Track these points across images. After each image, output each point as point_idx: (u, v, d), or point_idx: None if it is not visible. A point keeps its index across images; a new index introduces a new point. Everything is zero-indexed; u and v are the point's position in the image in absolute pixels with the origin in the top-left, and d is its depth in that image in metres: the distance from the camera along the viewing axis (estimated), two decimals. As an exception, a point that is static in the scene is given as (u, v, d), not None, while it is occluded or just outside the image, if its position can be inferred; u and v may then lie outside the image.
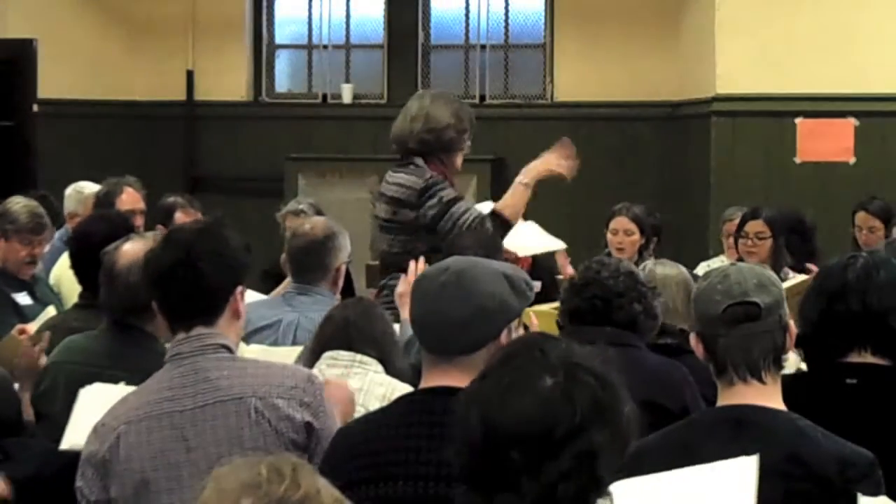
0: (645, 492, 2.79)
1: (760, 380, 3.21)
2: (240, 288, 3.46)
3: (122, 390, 3.78)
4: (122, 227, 4.78)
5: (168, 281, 3.41)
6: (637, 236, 7.21)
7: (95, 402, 3.76)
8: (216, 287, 3.41)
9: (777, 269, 6.28)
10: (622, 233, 7.22)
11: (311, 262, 5.25)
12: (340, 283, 5.35)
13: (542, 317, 4.69)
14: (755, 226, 7.13)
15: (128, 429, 3.36)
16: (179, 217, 6.85)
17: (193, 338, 3.40)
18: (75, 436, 3.74)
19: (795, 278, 6.33)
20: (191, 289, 3.39)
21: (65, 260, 6.53)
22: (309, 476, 2.06)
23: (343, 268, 5.34)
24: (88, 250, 4.51)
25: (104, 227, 4.83)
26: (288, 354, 4.45)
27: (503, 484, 2.22)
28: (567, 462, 2.20)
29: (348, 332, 4.31)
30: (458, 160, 5.95)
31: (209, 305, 3.41)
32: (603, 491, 2.25)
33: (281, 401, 3.35)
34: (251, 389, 3.35)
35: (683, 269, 5.02)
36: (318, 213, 7.18)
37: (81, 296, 4.75)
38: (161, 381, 3.42)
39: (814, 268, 6.55)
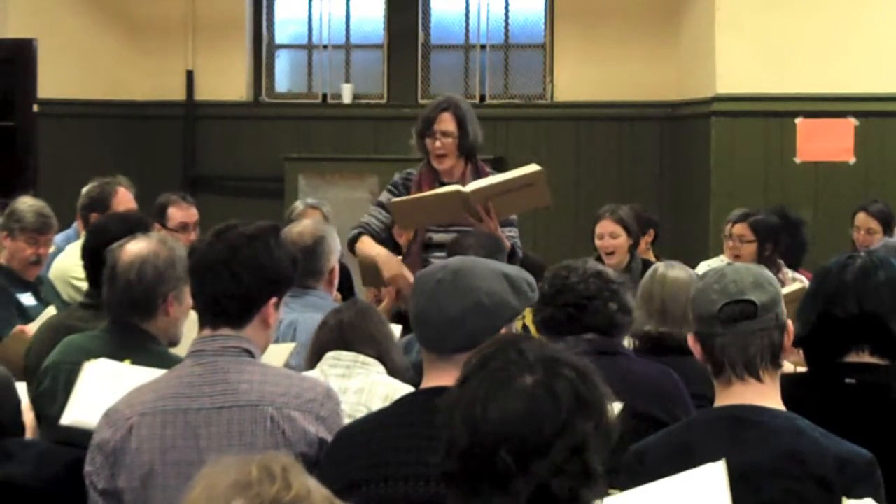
0: None
1: (758, 379, 3.20)
2: (274, 299, 3.48)
3: (127, 368, 3.79)
4: (140, 227, 4.72)
5: (206, 278, 3.44)
6: (623, 238, 7.12)
7: (100, 380, 3.76)
8: (250, 295, 3.43)
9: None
10: (608, 236, 7.13)
11: (304, 267, 5.24)
12: (336, 282, 5.36)
13: None
14: (739, 229, 7.39)
15: (141, 420, 3.37)
16: (173, 212, 6.82)
17: (219, 337, 3.43)
18: (77, 412, 3.73)
19: (793, 285, 6.35)
20: (225, 291, 3.41)
21: (56, 263, 6.53)
22: (299, 476, 2.05)
23: (336, 268, 5.36)
24: (101, 249, 4.46)
25: (121, 226, 4.77)
26: (282, 351, 4.44)
27: (495, 486, 2.21)
28: (558, 456, 2.19)
29: (344, 333, 4.32)
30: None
31: (240, 310, 3.43)
32: (595, 486, 2.24)
33: (297, 413, 3.35)
34: (269, 398, 3.35)
35: (693, 273, 4.94)
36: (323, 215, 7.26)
37: (87, 294, 4.74)
38: (180, 376, 3.43)
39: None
